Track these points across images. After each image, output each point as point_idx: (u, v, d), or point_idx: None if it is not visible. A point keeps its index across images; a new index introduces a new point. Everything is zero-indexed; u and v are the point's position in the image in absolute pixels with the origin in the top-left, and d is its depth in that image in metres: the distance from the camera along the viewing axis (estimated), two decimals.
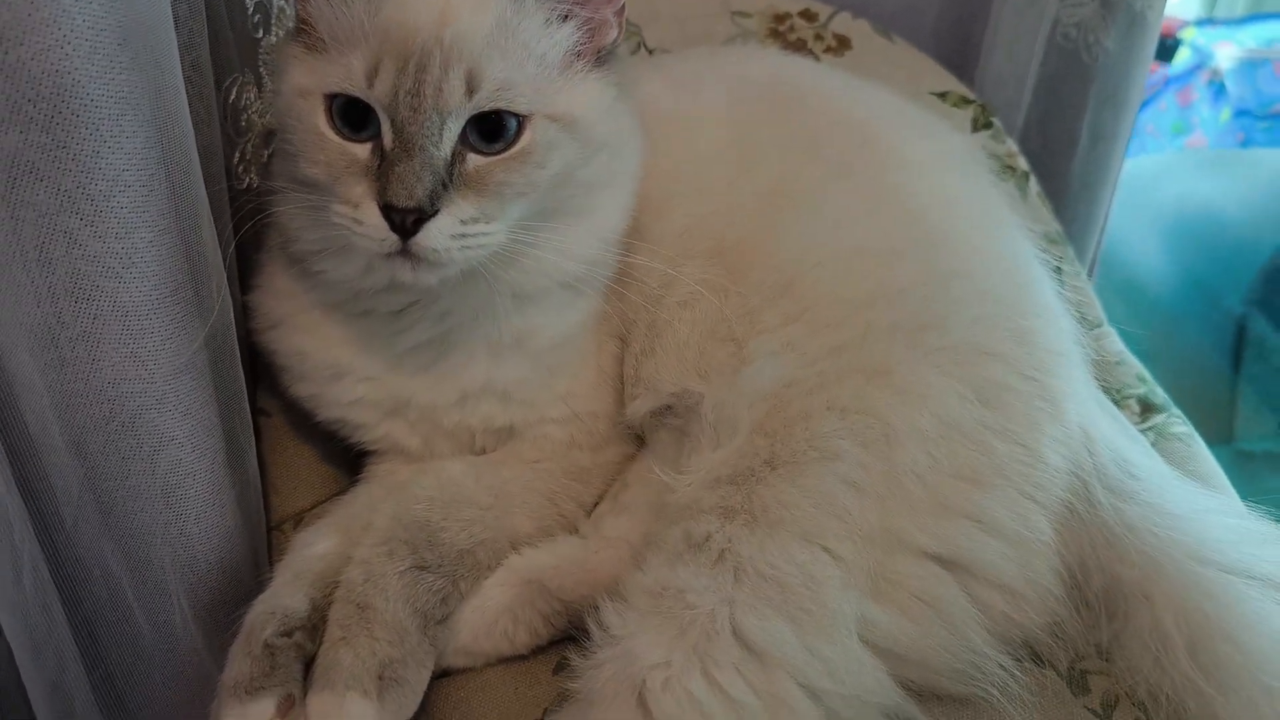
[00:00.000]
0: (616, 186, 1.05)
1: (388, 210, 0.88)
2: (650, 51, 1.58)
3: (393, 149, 0.89)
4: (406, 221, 0.88)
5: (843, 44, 1.62)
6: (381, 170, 0.89)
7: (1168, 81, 3.11)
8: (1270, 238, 2.21)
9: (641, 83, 1.13)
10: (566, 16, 0.96)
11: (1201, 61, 3.06)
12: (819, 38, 1.62)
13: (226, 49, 1.12)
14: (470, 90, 0.89)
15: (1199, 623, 0.92)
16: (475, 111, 0.90)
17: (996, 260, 1.07)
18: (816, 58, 1.60)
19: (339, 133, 0.92)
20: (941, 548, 0.92)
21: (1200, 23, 3.25)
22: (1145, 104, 3.11)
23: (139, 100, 0.80)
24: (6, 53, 0.72)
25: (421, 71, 0.88)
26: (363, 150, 0.91)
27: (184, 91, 0.88)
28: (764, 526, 0.90)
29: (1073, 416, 1.01)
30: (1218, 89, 3.04)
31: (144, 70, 0.80)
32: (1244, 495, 1.13)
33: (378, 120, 0.90)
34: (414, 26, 0.89)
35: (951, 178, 1.15)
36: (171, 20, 0.86)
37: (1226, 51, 3.02)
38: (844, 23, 1.65)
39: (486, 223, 0.91)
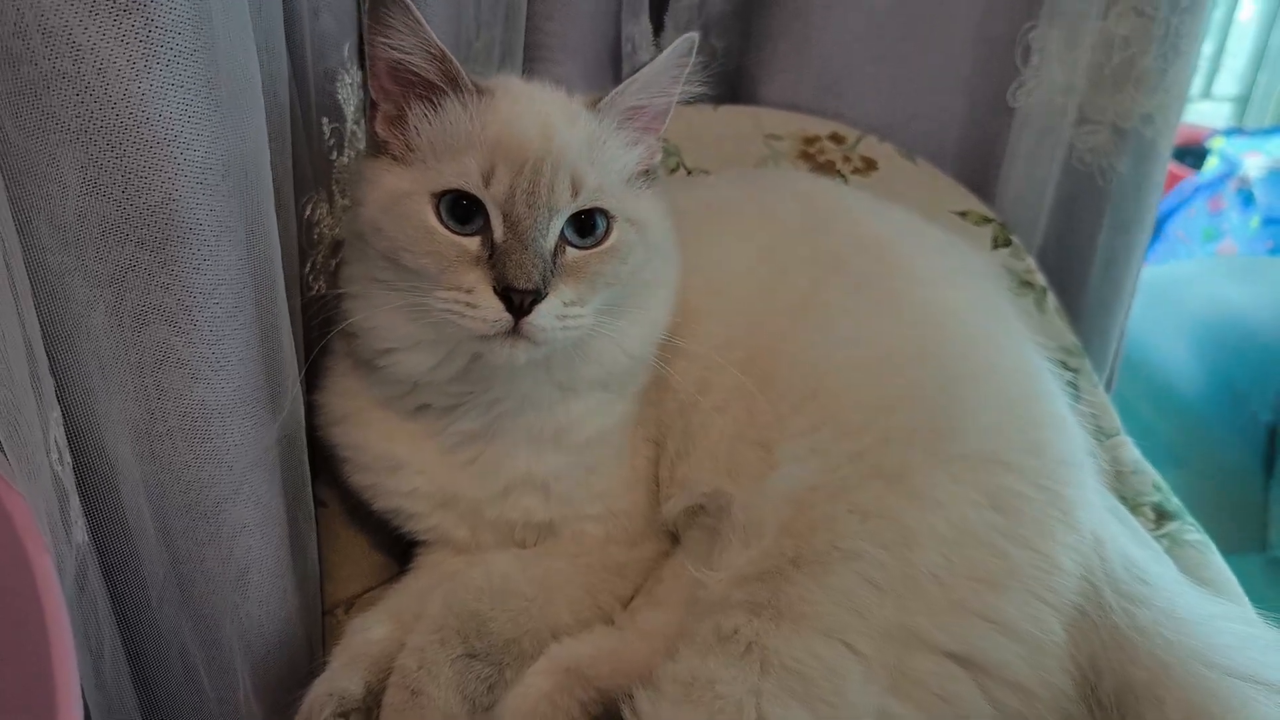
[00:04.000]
0: (663, 288, 1.16)
1: (507, 293, 0.98)
2: (689, 171, 1.67)
3: (504, 241, 0.99)
4: (524, 302, 0.98)
5: (869, 165, 1.70)
6: (495, 259, 0.99)
7: (1197, 189, 3.17)
8: None
9: (678, 201, 1.22)
10: (637, 143, 1.09)
11: (1230, 170, 3.12)
12: (847, 159, 1.70)
13: (304, 169, 1.22)
14: (575, 192, 1.02)
15: None
16: (577, 209, 1.03)
17: (1010, 371, 1.12)
18: (844, 178, 1.68)
19: (447, 227, 1.02)
20: (957, 646, 0.95)
21: (1229, 132, 3.33)
22: (1176, 209, 3.16)
23: (235, 223, 0.89)
24: (128, 184, 0.82)
25: (536, 174, 1.00)
26: (472, 243, 1.01)
27: (274, 214, 0.98)
28: (789, 622, 0.94)
29: (1085, 523, 1.03)
30: (1246, 197, 3.10)
31: (241, 197, 0.90)
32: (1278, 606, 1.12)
33: (484, 215, 1.01)
34: (525, 137, 1.01)
35: (967, 294, 1.20)
36: (267, 152, 0.96)
37: (1255, 161, 3.09)
38: (870, 145, 1.73)
39: (581, 306, 1.03)
